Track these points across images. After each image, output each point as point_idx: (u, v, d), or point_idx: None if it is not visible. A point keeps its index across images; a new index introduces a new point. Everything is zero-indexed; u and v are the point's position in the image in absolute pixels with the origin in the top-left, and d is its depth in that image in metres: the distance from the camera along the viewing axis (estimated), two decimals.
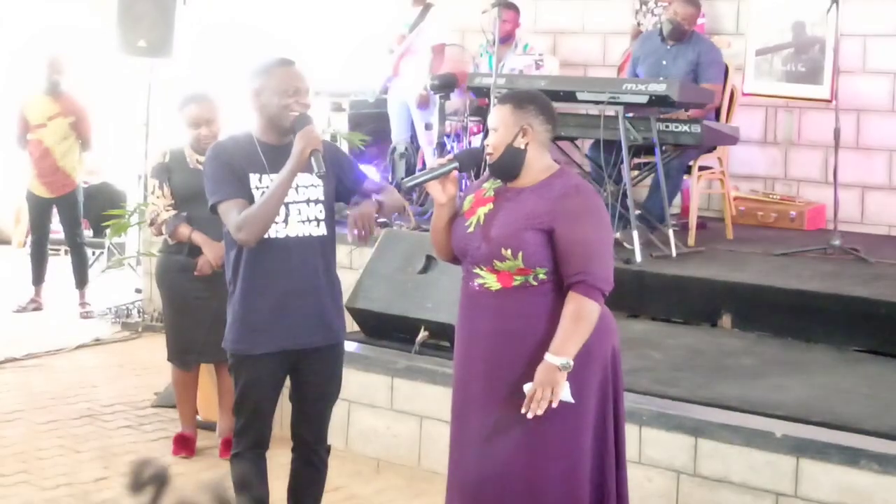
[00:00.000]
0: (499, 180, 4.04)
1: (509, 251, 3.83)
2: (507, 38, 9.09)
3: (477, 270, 3.95)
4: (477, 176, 4.41)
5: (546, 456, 3.87)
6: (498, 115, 3.99)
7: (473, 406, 3.99)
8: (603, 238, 3.94)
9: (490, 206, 3.98)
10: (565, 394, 3.76)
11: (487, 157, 4.00)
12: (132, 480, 1.30)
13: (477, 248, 3.93)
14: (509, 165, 3.96)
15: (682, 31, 8.16)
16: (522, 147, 3.94)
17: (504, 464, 3.89)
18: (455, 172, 4.05)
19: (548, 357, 3.76)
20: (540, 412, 3.73)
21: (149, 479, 1.28)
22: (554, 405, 3.74)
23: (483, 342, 3.95)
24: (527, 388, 3.77)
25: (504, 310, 3.90)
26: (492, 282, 3.91)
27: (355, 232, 4.45)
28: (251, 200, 4.36)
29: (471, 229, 3.97)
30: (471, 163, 4.10)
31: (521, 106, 3.97)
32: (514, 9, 9.19)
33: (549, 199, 3.88)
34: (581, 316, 3.79)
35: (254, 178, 4.39)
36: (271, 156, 4.41)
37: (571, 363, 3.74)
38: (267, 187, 4.36)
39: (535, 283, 3.87)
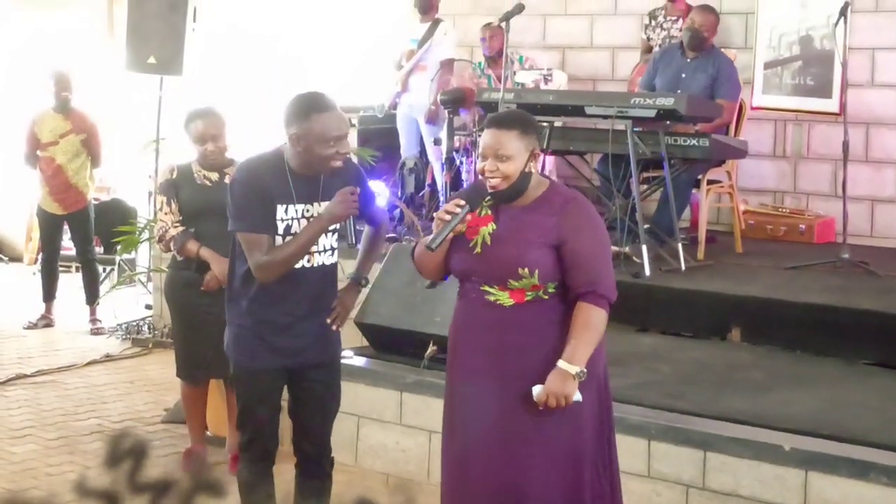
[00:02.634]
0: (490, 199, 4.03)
1: (526, 270, 3.86)
2: (499, 55, 9.12)
3: (486, 288, 3.95)
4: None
5: (556, 462, 3.91)
6: (509, 143, 3.91)
7: (479, 419, 3.99)
8: (606, 248, 4.04)
9: (492, 225, 3.99)
10: (575, 395, 3.81)
11: (493, 188, 3.96)
12: (109, 453, 1.25)
13: (488, 268, 3.94)
14: (518, 191, 3.98)
15: (702, 40, 8.17)
16: (531, 171, 3.96)
17: (515, 474, 3.92)
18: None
19: (562, 364, 3.79)
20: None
21: (126, 452, 1.23)
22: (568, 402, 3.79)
23: (492, 356, 3.96)
24: (536, 390, 3.80)
25: (517, 324, 3.93)
26: (504, 298, 3.94)
27: (334, 319, 4.60)
28: (274, 231, 4.38)
29: (477, 250, 3.97)
30: (479, 200, 4.06)
31: (526, 131, 3.97)
32: (498, 26, 9.19)
33: (553, 215, 3.93)
34: (592, 325, 3.86)
35: (280, 210, 4.40)
36: (301, 186, 4.41)
37: (585, 371, 3.78)
38: (291, 219, 4.38)
39: (545, 297, 3.92)
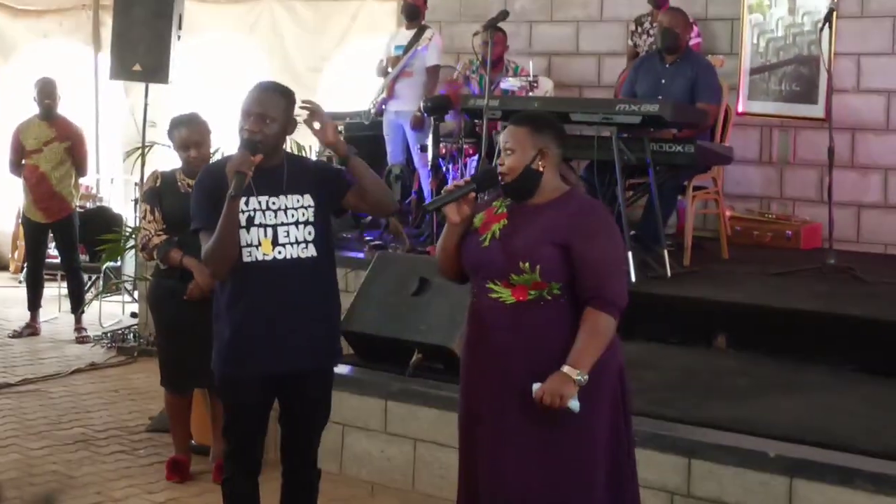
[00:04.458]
0: (509, 199, 4.04)
1: (527, 264, 3.85)
2: (497, 62, 9.06)
3: (490, 285, 3.95)
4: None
5: (561, 470, 3.88)
6: (515, 137, 3.99)
7: (483, 420, 3.98)
8: (618, 255, 4.01)
9: (504, 221, 4.00)
10: (573, 402, 3.76)
11: (501, 178, 3.99)
12: None
13: (492, 261, 3.94)
14: (525, 187, 3.98)
15: (675, 37, 8.10)
16: (540, 169, 3.95)
17: (520, 480, 3.89)
18: (472, 194, 4.04)
19: (565, 369, 3.78)
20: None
21: None
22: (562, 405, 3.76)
23: (495, 356, 3.95)
24: (535, 387, 3.78)
25: (518, 323, 3.91)
26: (506, 296, 3.92)
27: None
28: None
29: (486, 243, 3.98)
30: (488, 184, 4.07)
31: (538, 129, 3.99)
32: (502, 32, 9.20)
33: (566, 216, 3.92)
34: (598, 331, 3.84)
35: (240, 202, 4.36)
36: (262, 178, 4.37)
37: (587, 377, 3.77)
38: (253, 210, 4.36)
39: (549, 298, 3.90)
